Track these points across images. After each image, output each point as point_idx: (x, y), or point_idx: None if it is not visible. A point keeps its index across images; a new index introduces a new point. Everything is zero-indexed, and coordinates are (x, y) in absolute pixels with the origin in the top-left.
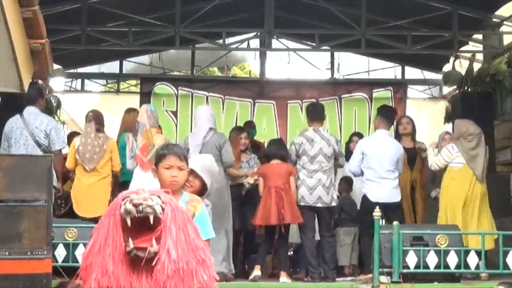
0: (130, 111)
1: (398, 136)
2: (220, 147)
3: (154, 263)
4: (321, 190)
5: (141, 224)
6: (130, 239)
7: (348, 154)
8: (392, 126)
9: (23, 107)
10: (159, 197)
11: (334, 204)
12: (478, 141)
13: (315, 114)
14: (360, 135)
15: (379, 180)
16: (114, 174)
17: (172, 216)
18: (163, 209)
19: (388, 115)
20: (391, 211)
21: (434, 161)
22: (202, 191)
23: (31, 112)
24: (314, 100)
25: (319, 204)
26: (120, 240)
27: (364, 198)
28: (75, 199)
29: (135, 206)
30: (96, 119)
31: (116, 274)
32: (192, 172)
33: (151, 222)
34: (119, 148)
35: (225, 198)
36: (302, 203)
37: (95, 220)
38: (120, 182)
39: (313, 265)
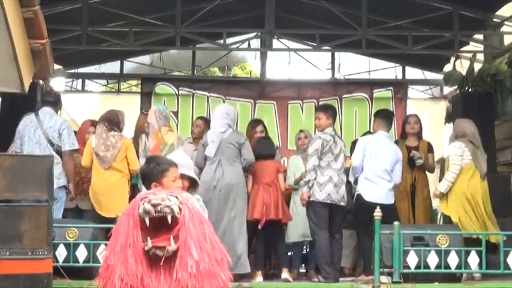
0: (140, 115)
1: (404, 135)
2: (240, 146)
3: (176, 262)
4: (330, 187)
5: (159, 224)
6: (148, 238)
7: None
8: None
9: (36, 107)
10: (176, 197)
11: (343, 203)
12: (476, 141)
13: (334, 116)
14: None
15: (376, 180)
16: (131, 174)
17: (190, 216)
18: (180, 210)
19: (388, 117)
20: (385, 212)
21: (447, 178)
22: (192, 186)
23: (46, 112)
24: (315, 100)
25: (328, 201)
26: (140, 240)
27: (359, 197)
28: (94, 198)
29: (154, 206)
30: (106, 119)
31: (139, 273)
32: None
33: (169, 222)
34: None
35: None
36: (312, 199)
37: (114, 220)
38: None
39: (329, 264)
